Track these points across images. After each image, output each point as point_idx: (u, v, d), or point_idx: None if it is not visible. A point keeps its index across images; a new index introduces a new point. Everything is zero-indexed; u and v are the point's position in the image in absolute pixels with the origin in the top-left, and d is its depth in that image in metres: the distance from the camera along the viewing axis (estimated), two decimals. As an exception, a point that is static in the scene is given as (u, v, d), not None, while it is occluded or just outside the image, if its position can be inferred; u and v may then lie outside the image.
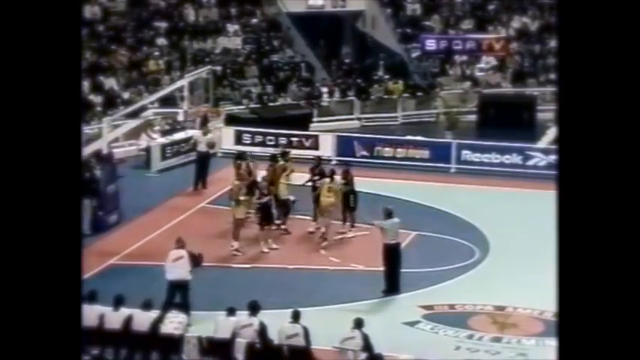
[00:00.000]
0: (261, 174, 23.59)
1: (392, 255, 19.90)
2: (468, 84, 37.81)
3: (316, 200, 23.24)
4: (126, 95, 33.25)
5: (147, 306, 15.76)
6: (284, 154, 24.85)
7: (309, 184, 23.78)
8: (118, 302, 15.64)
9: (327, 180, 23.22)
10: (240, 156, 25.00)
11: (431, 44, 37.85)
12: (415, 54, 39.08)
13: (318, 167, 24.10)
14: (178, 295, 17.83)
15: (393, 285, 19.93)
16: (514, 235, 22.92)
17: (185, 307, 17.28)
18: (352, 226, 23.37)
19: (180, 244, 18.58)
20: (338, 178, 23.37)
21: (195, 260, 18.49)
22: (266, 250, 22.28)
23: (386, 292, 19.86)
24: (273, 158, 24.55)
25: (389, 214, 20.21)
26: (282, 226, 23.42)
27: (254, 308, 15.56)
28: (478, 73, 38.51)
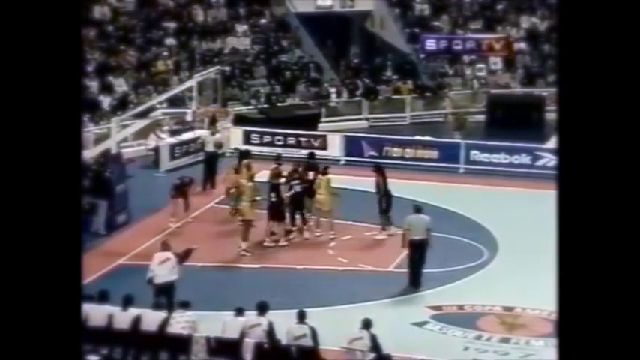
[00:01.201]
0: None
1: (414, 251, 20.03)
2: (476, 83, 37.85)
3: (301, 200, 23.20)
4: (133, 97, 33.29)
5: (157, 306, 15.73)
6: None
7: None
8: (127, 302, 15.65)
9: (321, 177, 23.26)
10: (246, 154, 25.05)
11: (431, 44, 37.74)
12: (423, 54, 39.05)
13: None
14: (165, 297, 17.52)
15: (414, 281, 20.10)
16: (523, 236, 22.89)
17: (170, 307, 16.93)
18: (383, 229, 23.27)
19: (165, 246, 18.55)
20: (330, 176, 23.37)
21: (182, 258, 18.44)
22: (285, 242, 22.49)
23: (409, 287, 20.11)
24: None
25: (418, 210, 20.34)
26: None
27: (262, 308, 15.57)
28: (478, 73, 38.48)
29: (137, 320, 15.38)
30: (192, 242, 22.93)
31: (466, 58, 38.63)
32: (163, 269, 17.98)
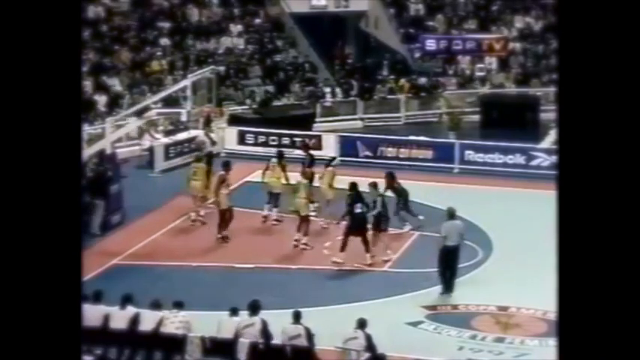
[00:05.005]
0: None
1: (448, 257, 19.77)
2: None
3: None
4: (128, 97, 33.28)
5: (155, 306, 15.70)
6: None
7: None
8: (125, 302, 15.63)
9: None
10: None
11: (431, 44, 37.76)
12: (418, 54, 39.09)
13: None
14: None
15: (448, 286, 19.83)
16: (517, 236, 22.91)
17: None
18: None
19: None
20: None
21: None
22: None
23: (443, 294, 19.84)
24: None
25: (451, 216, 20.09)
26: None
27: (254, 308, 15.55)
28: (479, 73, 38.52)
29: (132, 320, 15.37)
30: (190, 241, 23.04)
31: (460, 57, 38.69)
32: None
